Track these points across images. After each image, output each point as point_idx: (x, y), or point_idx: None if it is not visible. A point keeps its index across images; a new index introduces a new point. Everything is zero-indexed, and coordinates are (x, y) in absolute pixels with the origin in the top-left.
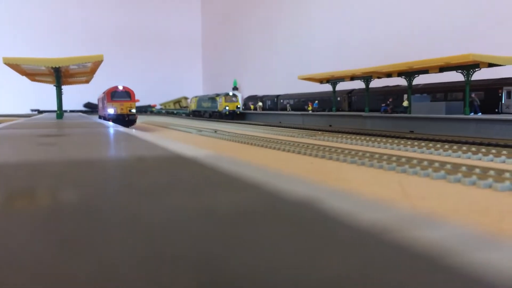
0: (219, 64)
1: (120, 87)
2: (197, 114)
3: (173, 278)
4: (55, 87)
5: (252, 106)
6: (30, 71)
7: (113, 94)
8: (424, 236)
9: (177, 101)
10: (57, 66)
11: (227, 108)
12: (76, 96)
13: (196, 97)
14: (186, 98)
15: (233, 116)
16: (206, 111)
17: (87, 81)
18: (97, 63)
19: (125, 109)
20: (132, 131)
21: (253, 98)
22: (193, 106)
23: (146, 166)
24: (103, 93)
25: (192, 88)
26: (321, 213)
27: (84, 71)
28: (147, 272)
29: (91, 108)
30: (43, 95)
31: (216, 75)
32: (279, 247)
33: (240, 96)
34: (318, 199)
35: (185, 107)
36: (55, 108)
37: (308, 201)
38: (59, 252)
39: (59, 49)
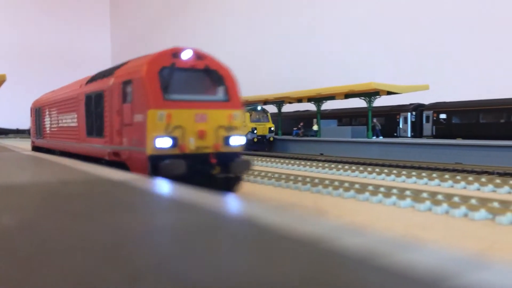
0: None
1: (189, 53)
2: None
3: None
4: None
5: None
6: None
7: (168, 75)
8: (352, 242)
9: None
10: None
11: (255, 131)
12: None
13: None
14: None
15: (263, 145)
16: None
17: None
18: None
19: (213, 133)
20: None
21: None
22: None
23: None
24: (109, 76)
25: None
26: (261, 227)
27: None
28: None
29: None
30: None
31: None
32: (229, 255)
33: None
34: (255, 215)
35: None
36: None
37: (248, 217)
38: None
39: None
